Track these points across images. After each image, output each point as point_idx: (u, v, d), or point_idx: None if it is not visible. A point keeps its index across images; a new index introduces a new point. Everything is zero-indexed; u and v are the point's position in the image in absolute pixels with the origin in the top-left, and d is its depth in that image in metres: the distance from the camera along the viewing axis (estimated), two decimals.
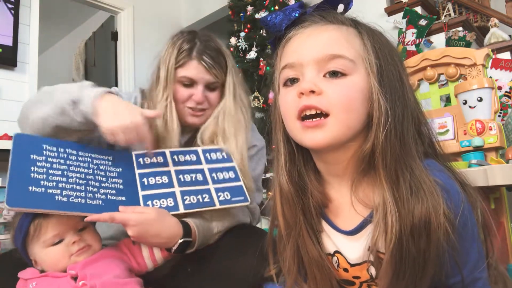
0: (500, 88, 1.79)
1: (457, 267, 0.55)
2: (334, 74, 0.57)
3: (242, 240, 0.93)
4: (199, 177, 0.98)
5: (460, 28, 2.53)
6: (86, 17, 4.53)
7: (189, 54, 1.02)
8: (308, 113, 0.57)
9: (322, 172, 0.66)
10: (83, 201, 0.82)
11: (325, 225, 0.66)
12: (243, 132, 1.05)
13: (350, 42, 0.58)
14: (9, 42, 2.45)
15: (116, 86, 3.50)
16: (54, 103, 0.90)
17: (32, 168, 0.81)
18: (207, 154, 1.03)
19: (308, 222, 0.64)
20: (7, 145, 2.16)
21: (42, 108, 0.91)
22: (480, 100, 1.26)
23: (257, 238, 0.93)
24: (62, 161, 0.86)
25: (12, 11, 2.47)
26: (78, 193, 0.83)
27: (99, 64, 3.91)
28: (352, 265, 0.64)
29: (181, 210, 0.89)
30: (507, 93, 1.78)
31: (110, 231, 1.02)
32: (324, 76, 0.58)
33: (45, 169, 0.83)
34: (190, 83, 1.04)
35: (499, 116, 1.72)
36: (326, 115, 0.56)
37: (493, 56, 1.85)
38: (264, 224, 1.93)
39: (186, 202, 0.91)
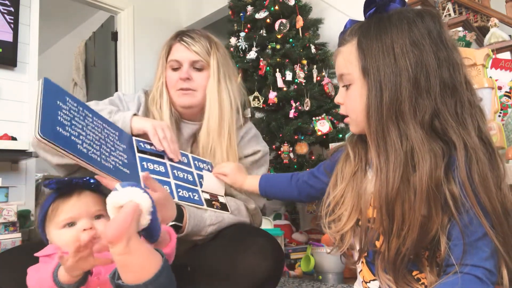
0: (500, 88, 1.79)
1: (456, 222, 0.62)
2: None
3: (242, 239, 0.93)
4: (190, 177, 1.03)
5: (460, 28, 2.52)
6: (86, 17, 4.52)
7: (174, 39, 1.14)
8: None
9: None
10: (98, 159, 0.84)
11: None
12: (227, 129, 1.10)
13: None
14: (9, 41, 2.44)
15: (116, 86, 3.50)
16: None
17: (59, 112, 0.81)
18: (196, 162, 1.09)
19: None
20: (7, 145, 2.16)
21: None
22: (480, 100, 1.25)
23: (257, 238, 0.93)
24: (81, 117, 0.87)
25: (12, 11, 2.47)
26: (95, 151, 0.84)
27: (99, 64, 3.91)
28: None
29: (176, 199, 0.92)
30: (507, 93, 1.78)
31: None
32: None
33: (68, 118, 0.83)
34: (177, 66, 1.12)
35: (499, 116, 1.71)
36: None
37: (493, 56, 1.84)
38: (264, 224, 1.93)
39: (180, 194, 0.95)
